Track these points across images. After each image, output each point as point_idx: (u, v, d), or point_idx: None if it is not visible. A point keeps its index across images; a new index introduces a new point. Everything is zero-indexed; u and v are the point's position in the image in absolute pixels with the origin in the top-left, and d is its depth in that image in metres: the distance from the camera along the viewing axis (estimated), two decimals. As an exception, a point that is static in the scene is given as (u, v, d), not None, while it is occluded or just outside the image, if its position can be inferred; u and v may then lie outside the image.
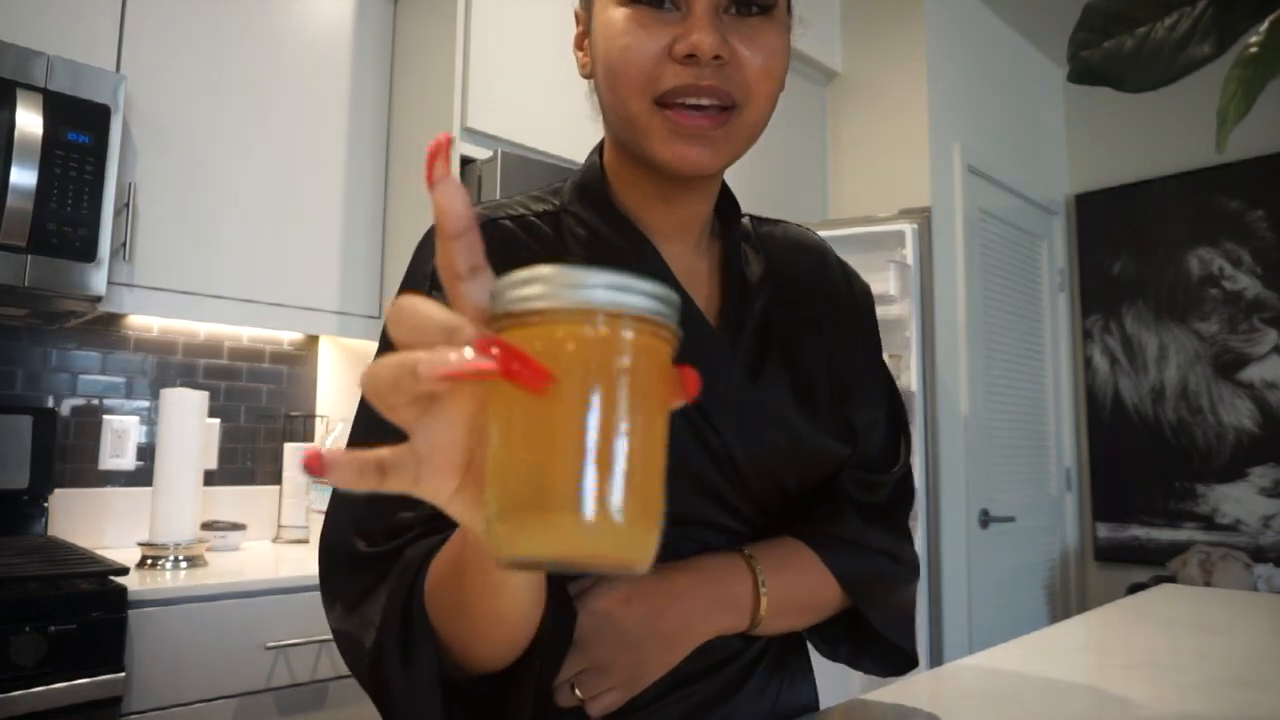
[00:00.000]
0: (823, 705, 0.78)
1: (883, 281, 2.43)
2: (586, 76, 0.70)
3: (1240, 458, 2.99)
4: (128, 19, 1.80)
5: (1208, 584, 2.75)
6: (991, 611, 2.84)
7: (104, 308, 1.73)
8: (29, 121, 1.56)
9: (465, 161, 1.98)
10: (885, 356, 0.83)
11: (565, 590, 0.58)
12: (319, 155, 2.12)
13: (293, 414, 2.31)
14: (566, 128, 2.11)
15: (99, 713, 1.38)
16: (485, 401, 0.34)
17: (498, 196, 1.60)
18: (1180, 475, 3.11)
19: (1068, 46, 0.44)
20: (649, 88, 0.61)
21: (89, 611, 1.40)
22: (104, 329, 2.01)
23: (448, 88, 1.99)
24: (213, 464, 2.12)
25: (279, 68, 2.05)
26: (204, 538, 1.88)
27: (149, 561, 1.71)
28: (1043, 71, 3.46)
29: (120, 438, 1.99)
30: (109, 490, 1.98)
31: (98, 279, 1.63)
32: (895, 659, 0.77)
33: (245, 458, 2.22)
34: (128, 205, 1.76)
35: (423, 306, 0.34)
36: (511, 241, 0.67)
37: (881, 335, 0.84)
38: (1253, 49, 0.40)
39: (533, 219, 0.69)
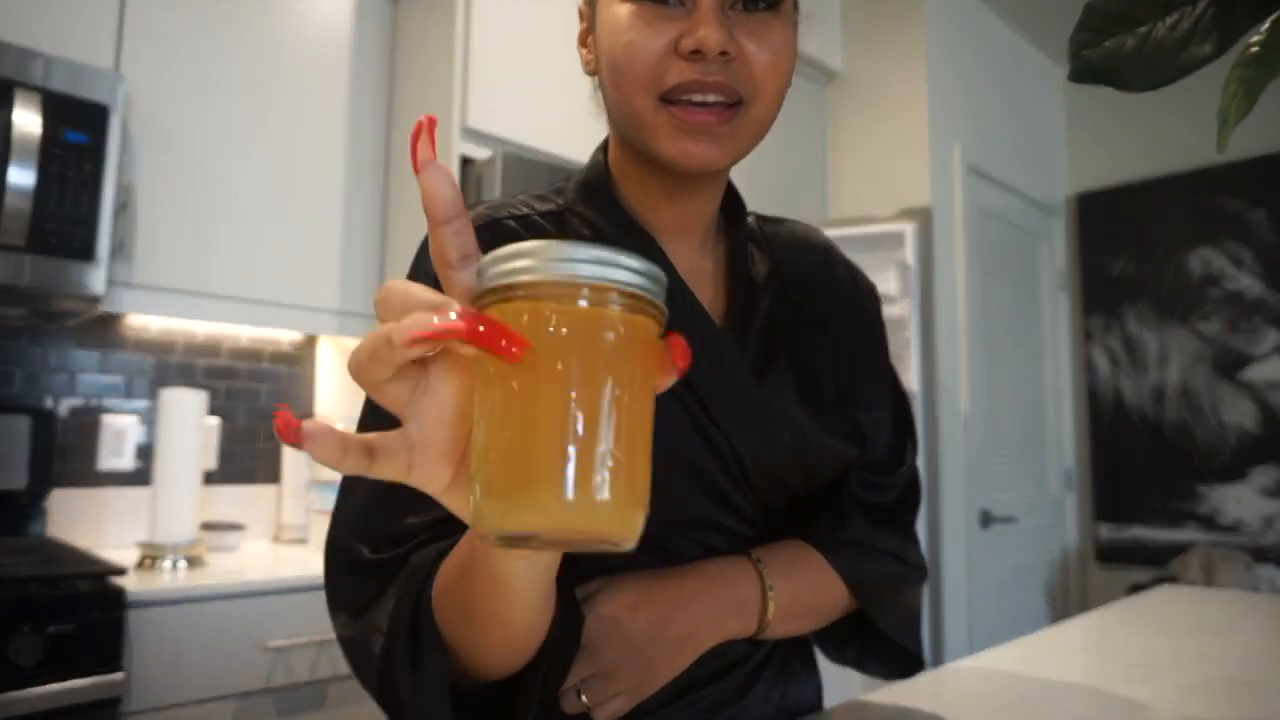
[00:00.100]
0: (824, 706, 0.78)
1: (883, 281, 2.42)
2: (591, 74, 0.69)
3: (1241, 458, 2.99)
4: (127, 19, 1.80)
5: (1209, 584, 2.75)
6: (992, 612, 2.84)
7: (103, 307, 1.73)
8: (28, 121, 1.56)
9: (465, 161, 1.98)
10: (886, 356, 0.83)
11: (573, 595, 0.58)
12: (319, 155, 2.12)
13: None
14: (567, 128, 2.11)
15: (98, 713, 1.38)
16: (477, 387, 0.34)
17: (498, 197, 1.60)
18: (1181, 475, 3.11)
19: (1068, 46, 0.44)
20: (654, 84, 0.60)
21: (88, 612, 1.39)
22: (103, 329, 2.01)
23: (447, 88, 1.99)
24: (212, 464, 2.11)
25: (279, 68, 2.05)
26: (203, 538, 1.88)
27: (148, 562, 1.71)
28: (1043, 71, 3.45)
29: (119, 438, 1.99)
30: (108, 490, 1.97)
31: (97, 278, 1.63)
32: (902, 662, 0.77)
33: (244, 457, 2.22)
34: (126, 205, 1.76)
35: (411, 288, 0.34)
36: (515, 241, 0.66)
37: (882, 335, 0.83)
38: (1254, 49, 0.40)
39: (536, 218, 0.68)
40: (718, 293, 0.72)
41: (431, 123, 0.35)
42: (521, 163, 1.91)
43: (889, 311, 2.43)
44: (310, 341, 2.38)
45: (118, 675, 1.40)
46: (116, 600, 1.44)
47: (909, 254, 2.54)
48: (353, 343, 2.25)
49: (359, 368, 0.34)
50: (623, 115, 0.64)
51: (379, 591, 0.56)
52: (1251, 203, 3.04)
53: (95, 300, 1.66)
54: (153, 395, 2.05)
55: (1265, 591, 2.76)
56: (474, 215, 0.65)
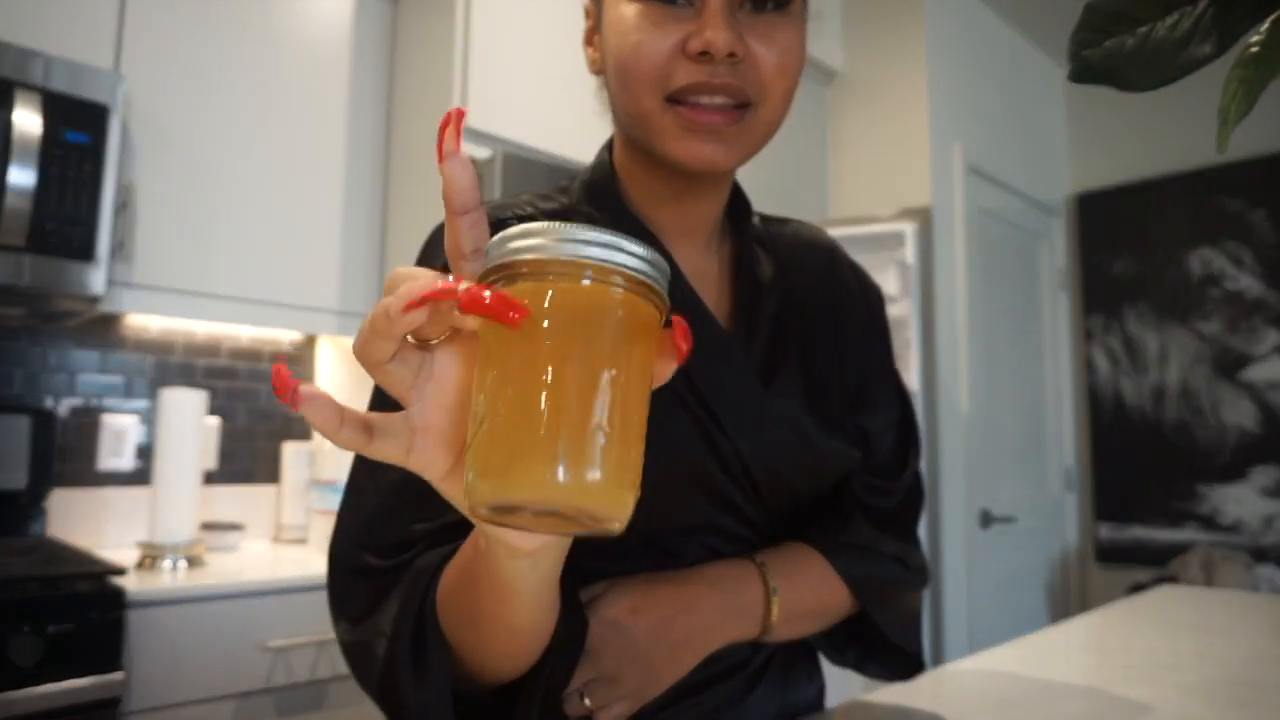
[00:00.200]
0: (825, 707, 0.78)
1: (883, 281, 2.42)
2: (597, 73, 0.69)
3: (1241, 458, 2.99)
4: (127, 18, 1.80)
5: (1209, 584, 2.75)
6: (992, 612, 2.84)
7: (103, 307, 1.73)
8: (27, 121, 1.56)
9: (465, 161, 1.98)
10: (887, 357, 0.83)
11: (577, 599, 0.57)
12: (319, 155, 2.12)
13: (292, 414, 2.31)
14: (567, 128, 2.11)
15: (97, 713, 1.37)
16: (477, 364, 0.34)
17: (498, 197, 1.60)
18: (1181, 475, 3.11)
19: (1068, 46, 0.44)
20: (661, 85, 0.60)
21: (87, 612, 1.39)
22: (103, 328, 2.01)
23: (447, 88, 1.99)
24: (212, 464, 2.11)
25: (279, 68, 2.05)
26: (203, 538, 1.88)
27: (148, 562, 1.71)
28: (1043, 71, 3.45)
29: (119, 438, 1.99)
30: (107, 490, 1.97)
31: (96, 278, 1.63)
32: (902, 664, 0.77)
33: (244, 457, 2.22)
34: (126, 205, 1.76)
35: (417, 270, 0.34)
36: None
37: (884, 336, 0.83)
38: (1254, 49, 0.40)
39: (541, 218, 0.68)
40: (722, 294, 0.72)
41: (460, 115, 0.36)
42: (521, 163, 1.91)
43: (889, 311, 2.43)
44: (310, 341, 2.38)
45: (117, 675, 1.40)
46: (116, 600, 1.44)
47: (909, 254, 2.54)
48: (352, 342, 2.25)
49: (362, 345, 0.34)
50: (629, 115, 0.63)
51: (383, 597, 0.55)
52: (1251, 203, 3.04)
53: (95, 300, 1.66)
54: (153, 395, 2.05)
55: (1265, 591, 2.76)
56: None
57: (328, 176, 2.13)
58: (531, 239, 0.32)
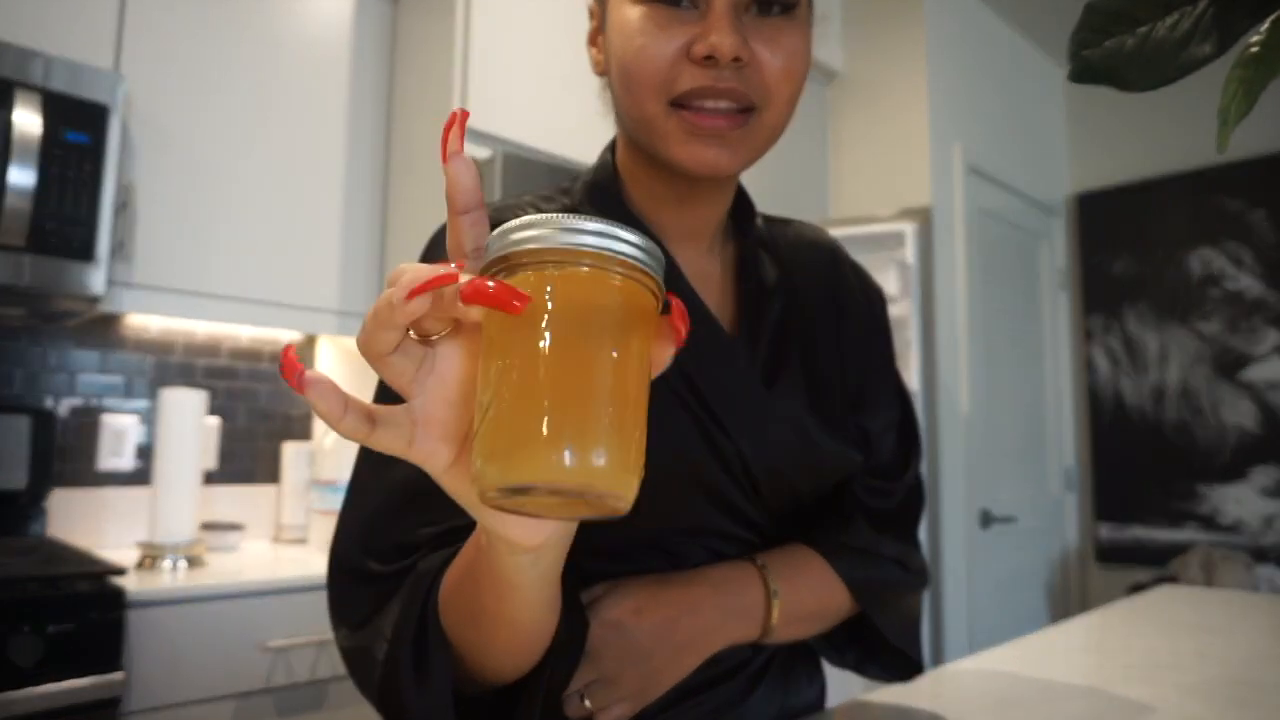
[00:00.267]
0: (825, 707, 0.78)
1: (883, 281, 2.42)
2: (600, 74, 0.68)
3: (1241, 458, 2.99)
4: (127, 18, 1.80)
5: (1209, 584, 2.75)
6: (992, 612, 2.84)
7: (102, 307, 1.73)
8: (27, 121, 1.56)
9: (465, 161, 1.98)
10: (886, 357, 0.83)
11: (578, 600, 0.57)
12: (319, 155, 2.12)
13: (292, 413, 2.31)
14: (567, 128, 2.11)
15: (97, 713, 1.37)
16: (480, 355, 0.35)
17: (498, 197, 1.59)
18: (1181, 475, 3.11)
19: (1068, 46, 0.44)
20: (665, 89, 0.59)
21: (87, 612, 1.39)
22: (102, 328, 2.01)
23: (447, 88, 1.99)
24: (212, 464, 2.11)
25: (279, 68, 2.05)
26: (203, 538, 1.88)
27: (148, 562, 1.71)
28: (1043, 71, 3.45)
29: (119, 438, 1.99)
30: (107, 490, 1.97)
31: (96, 278, 1.63)
32: (902, 666, 0.77)
33: (244, 457, 2.22)
34: (126, 205, 1.76)
35: (419, 265, 0.35)
36: None
37: (884, 336, 0.83)
38: (1254, 49, 0.40)
39: None
40: (725, 297, 0.72)
41: (464, 116, 0.36)
42: (521, 163, 1.91)
43: (890, 312, 2.43)
44: (310, 341, 2.38)
45: (117, 675, 1.40)
46: (116, 600, 1.44)
47: (909, 254, 2.54)
48: (352, 342, 2.25)
49: (366, 337, 0.35)
50: (632, 118, 0.63)
51: (385, 601, 0.55)
52: (1251, 203, 3.04)
53: (95, 300, 1.66)
54: (153, 395, 2.05)
55: (1265, 591, 2.76)
56: None
57: (328, 176, 2.13)
58: (530, 230, 0.33)
